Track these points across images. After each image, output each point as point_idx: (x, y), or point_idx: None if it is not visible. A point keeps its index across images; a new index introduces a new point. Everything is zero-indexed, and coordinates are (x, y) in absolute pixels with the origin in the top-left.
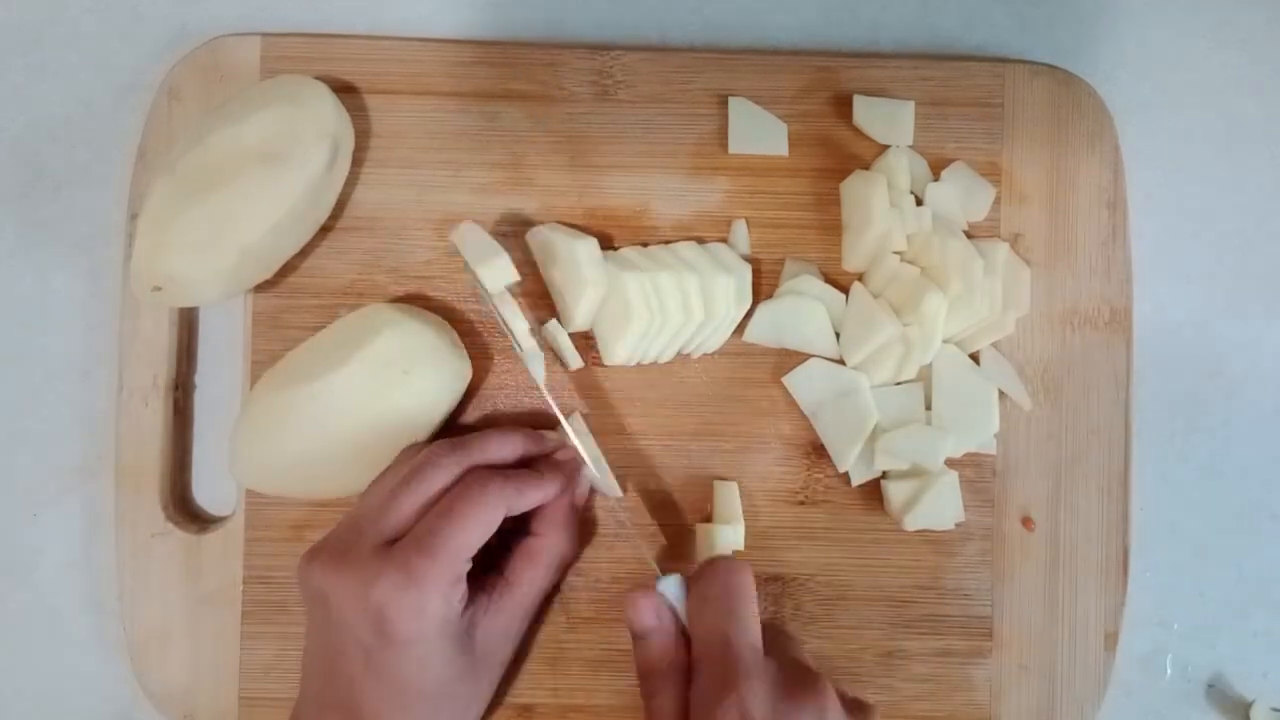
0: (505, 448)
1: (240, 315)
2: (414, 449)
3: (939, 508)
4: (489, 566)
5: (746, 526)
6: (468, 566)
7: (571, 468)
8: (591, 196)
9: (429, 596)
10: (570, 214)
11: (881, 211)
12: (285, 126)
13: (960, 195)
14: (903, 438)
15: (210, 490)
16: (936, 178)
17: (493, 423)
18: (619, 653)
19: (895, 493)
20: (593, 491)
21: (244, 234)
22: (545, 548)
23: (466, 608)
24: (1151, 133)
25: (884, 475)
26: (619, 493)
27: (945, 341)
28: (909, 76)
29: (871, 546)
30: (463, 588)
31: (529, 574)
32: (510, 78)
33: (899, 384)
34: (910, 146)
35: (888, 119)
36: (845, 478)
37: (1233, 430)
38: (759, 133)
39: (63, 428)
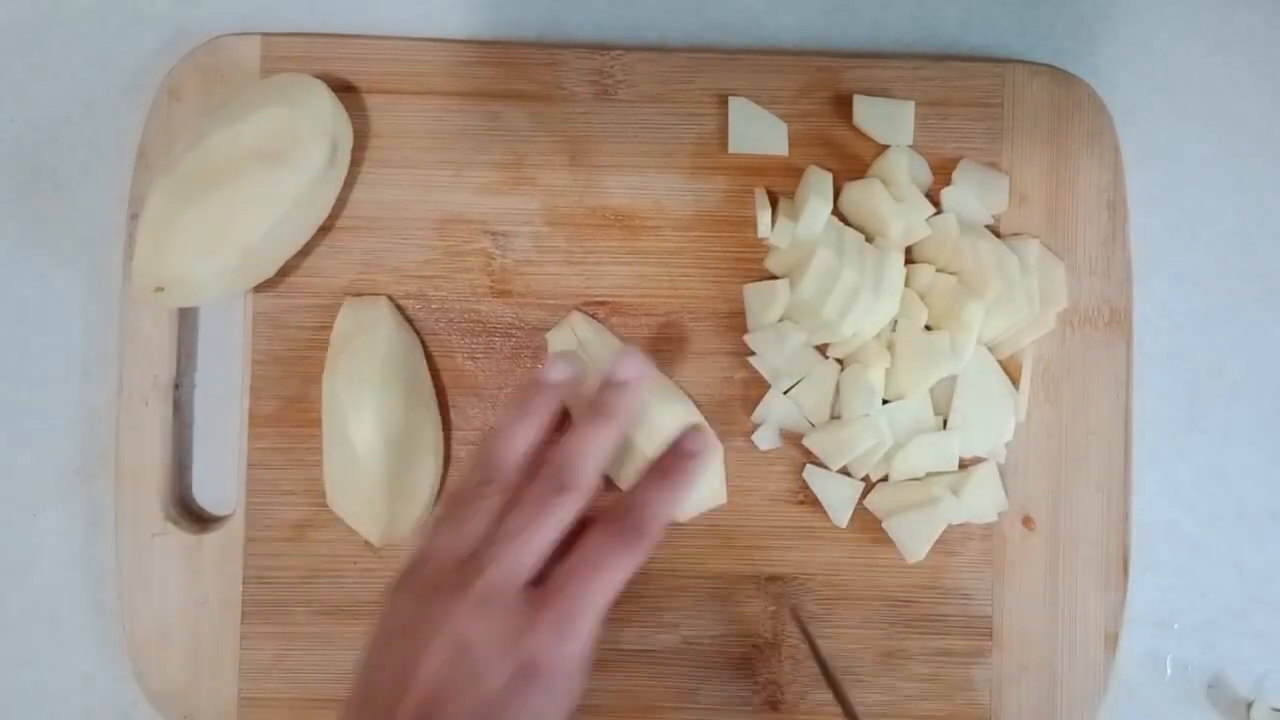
0: (601, 440)
1: (240, 315)
2: (479, 469)
3: (981, 499)
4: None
5: (747, 526)
6: (607, 610)
7: (699, 458)
8: (592, 196)
9: (577, 646)
10: (571, 213)
11: (891, 211)
12: (284, 126)
13: (977, 192)
14: (918, 448)
15: (210, 490)
16: (937, 178)
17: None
18: (619, 652)
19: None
20: None
21: (244, 234)
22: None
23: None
24: (1151, 133)
25: (883, 479)
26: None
27: (986, 344)
28: (909, 76)
29: (871, 546)
30: (600, 630)
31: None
32: (511, 77)
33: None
34: (910, 146)
35: (888, 119)
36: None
37: (1233, 430)
38: (759, 132)
39: (63, 428)
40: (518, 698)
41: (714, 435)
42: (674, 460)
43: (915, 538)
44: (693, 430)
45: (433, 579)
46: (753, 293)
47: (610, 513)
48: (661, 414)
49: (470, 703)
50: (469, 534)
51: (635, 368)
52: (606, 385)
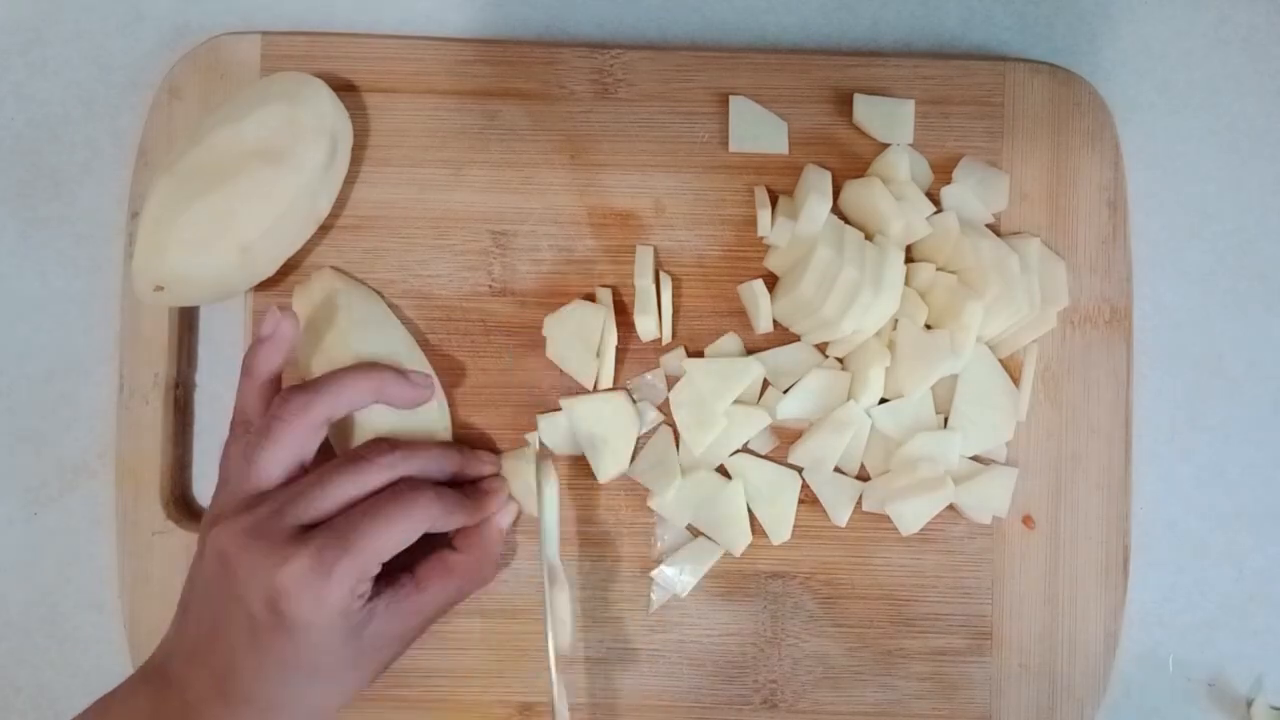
0: (441, 464)
1: (240, 314)
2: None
3: (987, 498)
4: (403, 565)
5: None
6: (378, 569)
7: (498, 499)
8: (591, 195)
9: (334, 589)
10: (571, 212)
11: (891, 209)
12: (284, 124)
13: (977, 190)
14: (918, 447)
15: (210, 488)
16: (937, 177)
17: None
18: (619, 652)
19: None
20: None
21: (244, 232)
22: (462, 565)
23: (368, 601)
24: (1151, 132)
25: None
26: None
27: (985, 343)
28: (909, 75)
29: (871, 545)
30: (368, 585)
31: (439, 585)
32: (510, 76)
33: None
34: (910, 145)
35: (888, 117)
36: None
37: (1233, 429)
38: (759, 131)
39: (63, 426)
40: (276, 629)
41: (507, 492)
42: (484, 494)
43: (915, 514)
44: (497, 477)
45: (226, 506)
46: (745, 292)
47: (410, 480)
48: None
49: (239, 622)
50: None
51: (274, 321)
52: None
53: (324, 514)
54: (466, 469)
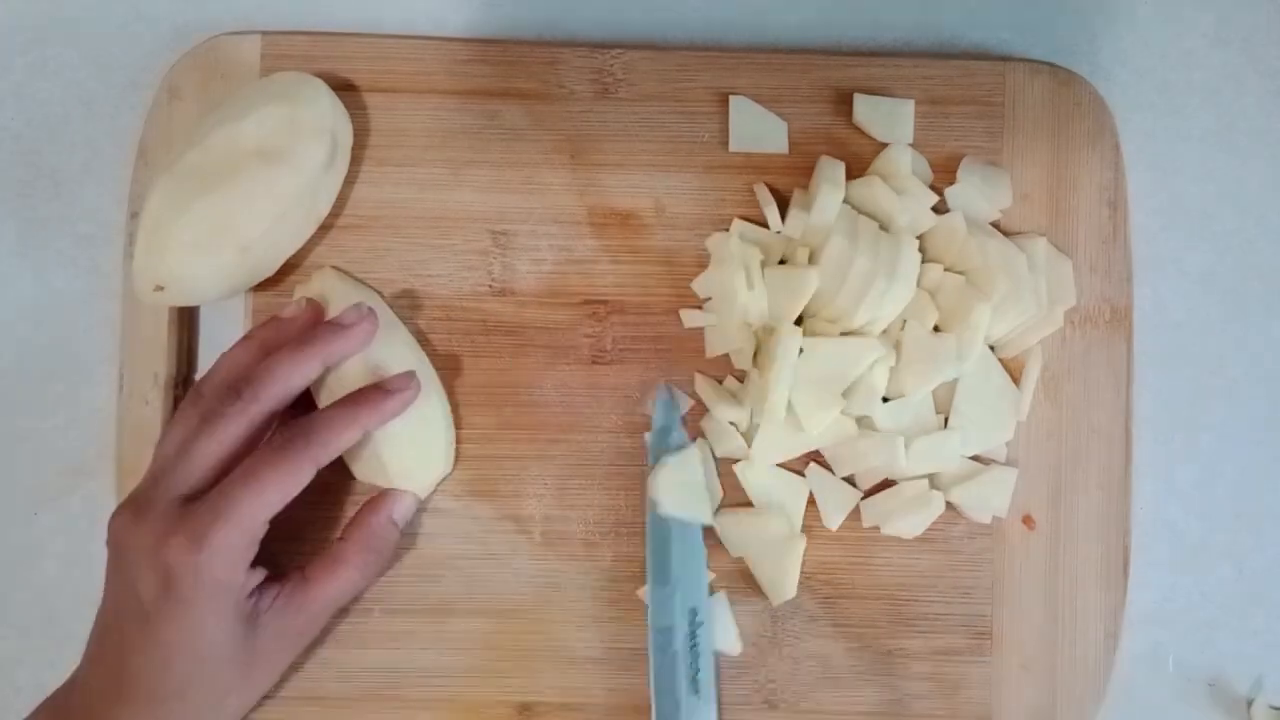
0: (300, 371)
1: (241, 314)
2: (196, 386)
3: (987, 498)
4: (296, 564)
5: None
6: (263, 531)
7: (397, 400)
8: (592, 195)
9: (213, 560)
10: (571, 212)
11: (894, 204)
12: (284, 124)
13: (981, 188)
14: (919, 447)
15: None
16: (937, 177)
17: None
18: (619, 651)
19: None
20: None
21: (244, 232)
22: (349, 554)
23: (255, 593)
24: (1151, 132)
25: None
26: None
27: (993, 343)
28: (909, 75)
29: (871, 545)
30: (253, 553)
31: (327, 577)
32: (510, 76)
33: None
34: (910, 145)
35: (888, 117)
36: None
37: (1233, 430)
38: (759, 131)
39: (63, 426)
40: (162, 612)
41: (421, 384)
42: (369, 391)
43: (912, 526)
44: (404, 374)
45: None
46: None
47: (282, 430)
48: (389, 361)
49: (131, 612)
50: (161, 450)
51: (357, 315)
52: (324, 323)
53: (199, 481)
54: (330, 356)
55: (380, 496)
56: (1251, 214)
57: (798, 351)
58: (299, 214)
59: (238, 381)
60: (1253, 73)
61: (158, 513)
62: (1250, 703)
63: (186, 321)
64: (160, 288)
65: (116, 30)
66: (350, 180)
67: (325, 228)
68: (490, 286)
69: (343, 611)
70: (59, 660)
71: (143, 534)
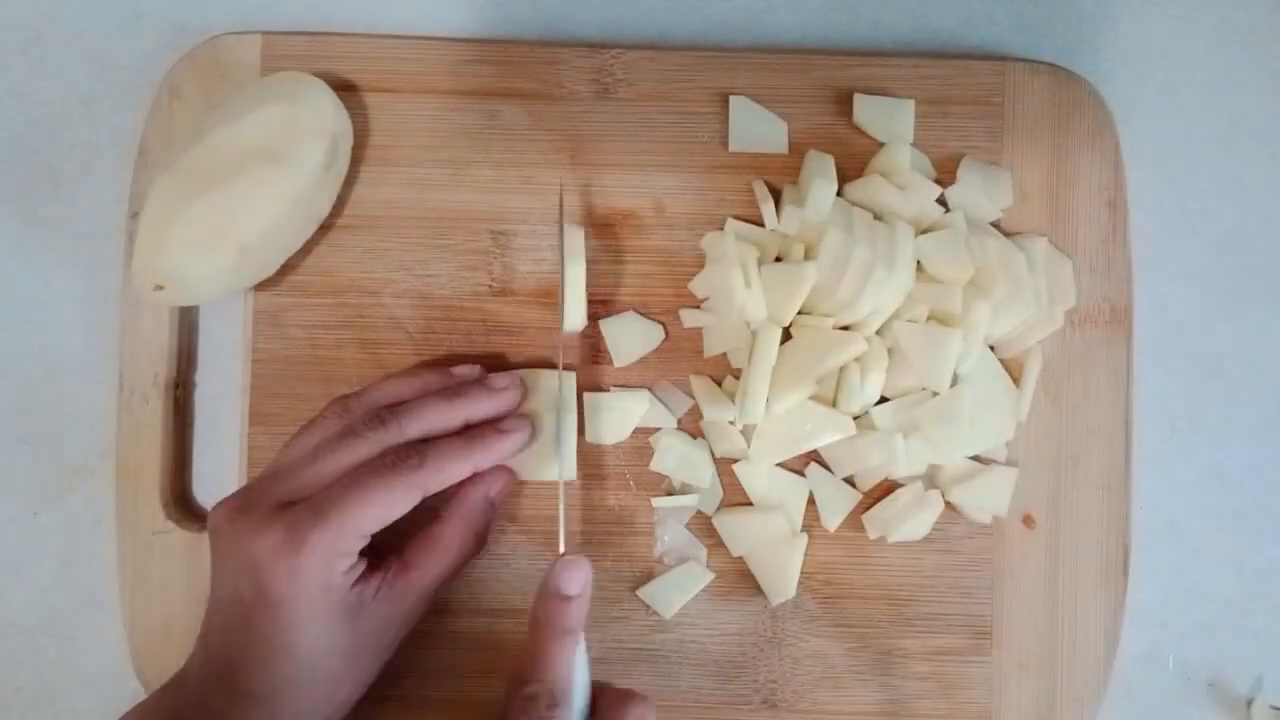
0: (441, 418)
1: (241, 313)
2: (344, 401)
3: (987, 498)
4: (394, 547)
5: None
6: (363, 543)
7: (510, 441)
8: (591, 195)
9: (306, 562)
10: (570, 213)
11: (897, 201)
12: (284, 124)
13: (981, 188)
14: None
15: (210, 489)
16: (936, 177)
17: None
18: (619, 651)
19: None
20: (520, 484)
21: (244, 232)
22: (447, 537)
23: (357, 584)
24: (1151, 132)
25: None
26: (572, 474)
27: (993, 343)
28: (909, 75)
29: (871, 545)
30: (351, 560)
31: (427, 561)
32: (510, 76)
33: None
34: (911, 145)
35: (888, 117)
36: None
37: (1233, 429)
38: (759, 131)
39: (63, 426)
40: (261, 611)
41: (531, 430)
42: (485, 429)
43: (914, 529)
44: (519, 417)
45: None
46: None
47: (398, 449)
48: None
49: (233, 609)
50: (290, 452)
51: (509, 382)
52: (478, 381)
53: (311, 488)
54: (475, 409)
55: (477, 475)
56: (1251, 214)
57: (776, 349)
58: (299, 214)
59: (388, 409)
60: (1253, 73)
61: (259, 511)
62: (1250, 703)
63: (186, 321)
64: (160, 288)
65: (116, 30)
66: (350, 180)
67: (325, 228)
68: (490, 286)
69: None
70: (59, 660)
71: (241, 531)
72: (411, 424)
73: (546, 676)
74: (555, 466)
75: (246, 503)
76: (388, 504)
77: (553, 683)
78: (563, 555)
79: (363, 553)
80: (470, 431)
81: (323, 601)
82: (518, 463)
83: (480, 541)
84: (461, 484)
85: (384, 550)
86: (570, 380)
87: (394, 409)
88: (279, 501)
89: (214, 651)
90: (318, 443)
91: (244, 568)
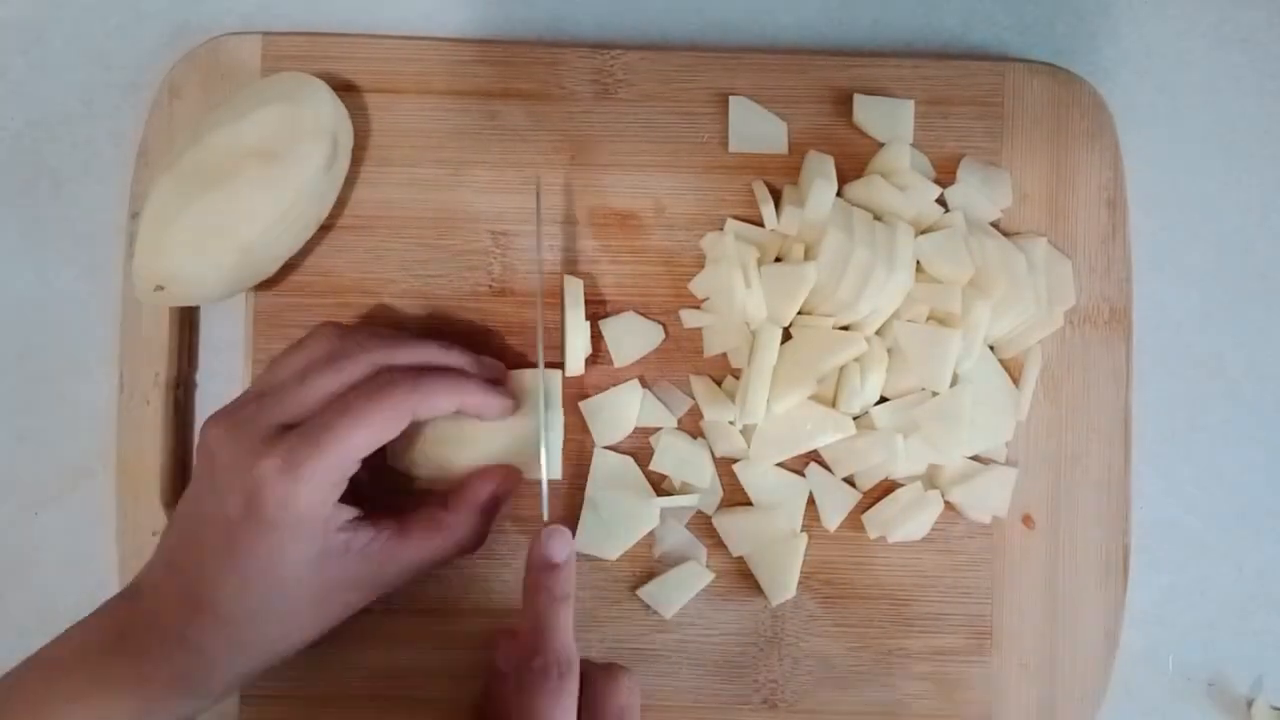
0: (436, 358)
1: (241, 314)
2: (335, 325)
3: (987, 498)
4: (397, 519)
5: None
6: (354, 468)
7: (499, 395)
8: (591, 195)
9: (303, 489)
10: (571, 213)
11: (898, 201)
12: (284, 124)
13: (981, 188)
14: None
15: None
16: (938, 177)
17: None
18: (619, 651)
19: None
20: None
21: (244, 232)
22: (448, 523)
23: (346, 529)
24: (1151, 132)
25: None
26: (557, 473)
27: (993, 343)
28: (909, 75)
29: (871, 545)
30: (343, 489)
31: (422, 537)
32: (511, 76)
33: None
34: (911, 145)
35: (888, 118)
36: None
37: (1233, 429)
38: (759, 131)
39: (63, 427)
40: (247, 532)
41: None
42: (475, 373)
43: (914, 529)
44: (508, 374)
45: (228, 406)
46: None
47: (387, 372)
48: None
49: (216, 527)
50: (277, 372)
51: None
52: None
53: (305, 411)
54: (467, 367)
55: (486, 471)
56: (1251, 213)
57: (777, 350)
58: (299, 214)
59: (379, 336)
60: (1253, 73)
61: (257, 433)
62: (1250, 703)
63: (186, 321)
64: (160, 288)
65: (116, 30)
66: (350, 181)
67: (326, 228)
68: (490, 286)
69: None
70: None
71: (238, 451)
72: (402, 353)
73: (553, 645)
74: (541, 463)
75: (237, 422)
76: (379, 425)
77: (559, 651)
78: (546, 524)
79: (363, 509)
80: (462, 371)
81: (307, 531)
82: (519, 460)
83: (478, 538)
84: (471, 476)
85: (385, 520)
86: (555, 378)
87: (389, 337)
88: (272, 424)
89: (181, 566)
90: (305, 364)
91: (238, 487)
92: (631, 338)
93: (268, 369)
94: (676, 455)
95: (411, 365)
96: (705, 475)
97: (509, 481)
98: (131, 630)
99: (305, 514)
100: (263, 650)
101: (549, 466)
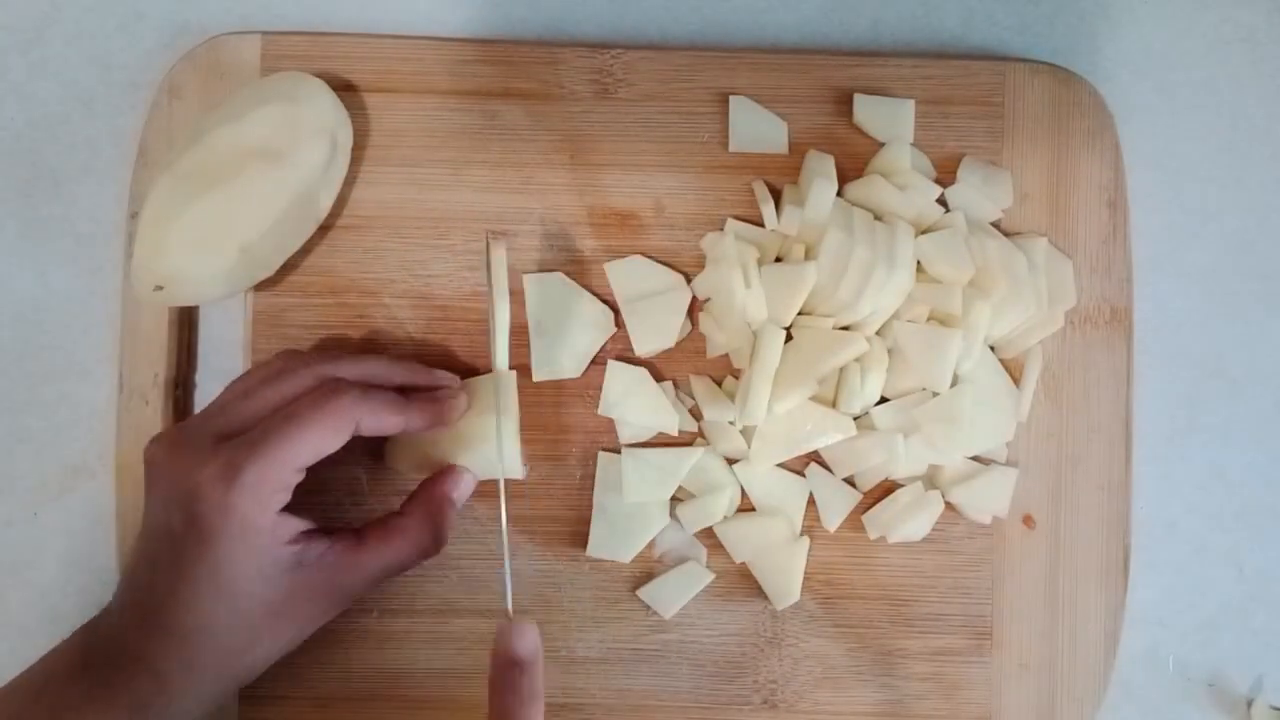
0: (382, 371)
1: (241, 313)
2: (291, 351)
3: (988, 498)
4: (352, 530)
5: None
6: (297, 478)
7: (446, 406)
8: (591, 195)
9: (241, 496)
10: (571, 212)
11: (898, 201)
12: (283, 124)
13: (982, 188)
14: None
15: None
16: (938, 176)
17: None
18: (619, 651)
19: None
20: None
21: (244, 232)
22: (405, 529)
23: (298, 541)
24: (1151, 132)
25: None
26: (519, 472)
27: (993, 343)
28: (910, 75)
29: (871, 545)
30: (286, 498)
31: (380, 544)
32: (510, 76)
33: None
34: (911, 145)
35: (888, 117)
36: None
37: (1233, 429)
38: (760, 131)
39: (63, 427)
40: (190, 544)
41: (465, 400)
42: (421, 393)
43: (915, 529)
44: (457, 387)
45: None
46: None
47: (334, 381)
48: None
49: (162, 542)
50: (227, 392)
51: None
52: (425, 370)
53: (247, 422)
54: (416, 378)
55: (441, 473)
56: (1252, 213)
57: (779, 350)
58: (299, 214)
59: (327, 352)
60: (1253, 73)
61: (195, 444)
62: (1250, 703)
63: (186, 321)
64: (160, 288)
65: (116, 30)
66: (350, 180)
67: (325, 228)
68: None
69: (345, 611)
70: None
71: (177, 463)
72: (349, 367)
73: None
74: (499, 466)
75: (183, 437)
76: (322, 434)
77: None
78: (511, 618)
79: (315, 524)
80: (408, 392)
81: (253, 541)
82: (474, 463)
83: (437, 541)
84: (426, 481)
85: (342, 531)
86: (509, 380)
87: (333, 353)
88: (215, 434)
89: (137, 584)
90: (251, 383)
91: (177, 499)
92: (650, 328)
93: (220, 393)
94: (622, 385)
95: (360, 379)
96: (665, 412)
97: (464, 484)
98: (93, 656)
99: (247, 522)
100: (221, 669)
101: (506, 468)
